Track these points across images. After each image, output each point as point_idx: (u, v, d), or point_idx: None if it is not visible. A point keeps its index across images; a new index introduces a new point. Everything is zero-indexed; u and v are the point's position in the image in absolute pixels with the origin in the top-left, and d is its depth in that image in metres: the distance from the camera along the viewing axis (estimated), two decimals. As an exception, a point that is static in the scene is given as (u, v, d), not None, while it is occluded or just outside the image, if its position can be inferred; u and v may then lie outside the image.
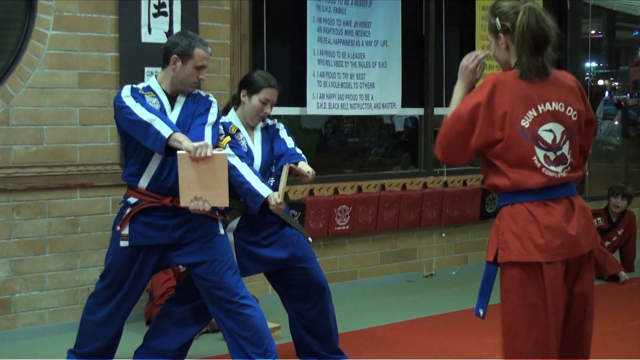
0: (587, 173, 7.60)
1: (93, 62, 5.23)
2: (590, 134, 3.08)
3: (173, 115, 3.88)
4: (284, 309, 4.45)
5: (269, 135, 4.32)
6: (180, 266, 4.66)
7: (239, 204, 4.13)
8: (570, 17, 8.00)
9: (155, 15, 5.39)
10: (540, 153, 2.85)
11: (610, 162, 9.92)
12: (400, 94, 6.73)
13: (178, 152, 3.62)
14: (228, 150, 3.96)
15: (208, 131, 3.81)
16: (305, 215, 6.08)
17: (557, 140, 2.88)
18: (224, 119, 4.21)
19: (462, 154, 2.95)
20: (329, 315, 4.35)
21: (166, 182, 3.85)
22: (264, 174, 4.19)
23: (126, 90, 3.84)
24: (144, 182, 3.87)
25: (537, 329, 2.82)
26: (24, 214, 5.04)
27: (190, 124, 3.87)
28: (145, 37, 5.35)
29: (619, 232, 7.12)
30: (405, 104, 6.84)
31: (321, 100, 6.27)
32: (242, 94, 4.24)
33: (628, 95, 10.69)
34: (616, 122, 9.89)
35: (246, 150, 4.16)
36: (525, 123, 2.85)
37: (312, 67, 6.19)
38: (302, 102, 6.23)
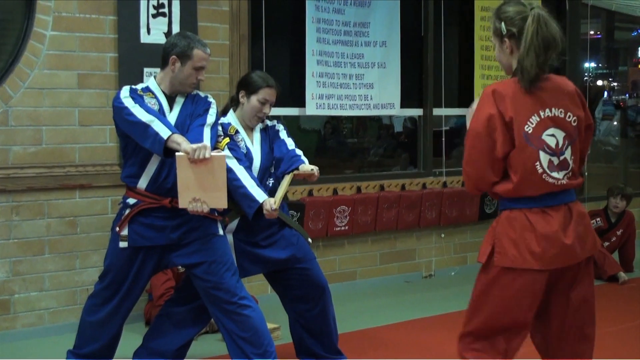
0: (586, 173, 7.60)
1: (92, 62, 5.23)
2: (589, 139, 3.10)
3: (172, 116, 3.87)
4: (283, 310, 4.44)
5: (268, 136, 4.30)
6: (180, 267, 4.67)
7: (238, 205, 4.12)
8: (569, 17, 8.01)
9: (154, 16, 5.39)
10: (544, 158, 2.85)
11: (609, 162, 9.93)
12: (399, 95, 6.73)
13: (177, 153, 3.60)
14: (227, 152, 3.95)
15: (207, 132, 3.80)
16: (305, 216, 6.08)
17: (560, 146, 2.89)
18: (222, 120, 4.19)
19: (490, 171, 2.89)
20: (328, 315, 4.34)
21: (165, 182, 3.84)
22: (262, 175, 4.18)
23: (125, 91, 3.83)
24: (143, 183, 3.86)
25: (507, 317, 2.92)
26: (23, 215, 5.04)
27: (189, 124, 3.86)
28: (144, 38, 5.35)
29: (618, 233, 7.11)
30: (404, 104, 6.84)
31: (320, 100, 6.26)
32: (240, 95, 4.23)
33: (627, 95, 10.70)
34: (615, 123, 9.91)
35: (245, 152, 4.15)
36: (528, 129, 2.85)
37: (311, 67, 6.18)
38: (301, 103, 6.23)
